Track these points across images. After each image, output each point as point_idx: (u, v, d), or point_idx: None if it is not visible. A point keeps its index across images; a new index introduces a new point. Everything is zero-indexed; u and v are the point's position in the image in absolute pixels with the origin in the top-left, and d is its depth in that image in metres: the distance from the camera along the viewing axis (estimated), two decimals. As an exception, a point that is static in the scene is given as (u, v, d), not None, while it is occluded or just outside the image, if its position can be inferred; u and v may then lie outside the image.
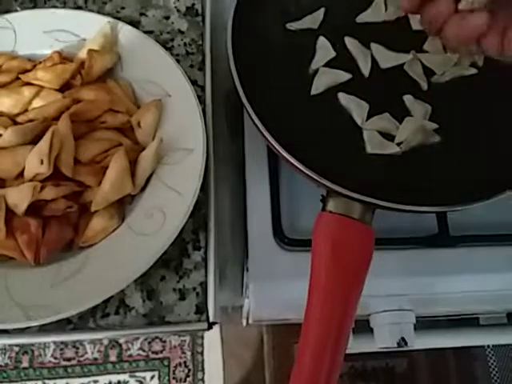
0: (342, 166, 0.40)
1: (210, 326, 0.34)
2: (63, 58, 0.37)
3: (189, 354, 1.09)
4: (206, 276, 0.35)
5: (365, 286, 0.35)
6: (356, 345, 0.48)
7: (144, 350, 1.07)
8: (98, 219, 0.33)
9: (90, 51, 0.36)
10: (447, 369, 1.00)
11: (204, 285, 0.35)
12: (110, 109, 0.35)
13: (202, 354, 1.10)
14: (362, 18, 0.47)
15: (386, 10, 0.47)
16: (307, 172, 0.36)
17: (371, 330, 0.47)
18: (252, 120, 0.38)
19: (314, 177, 0.36)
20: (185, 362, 1.08)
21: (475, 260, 0.42)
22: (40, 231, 0.32)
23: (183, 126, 0.36)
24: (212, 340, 1.09)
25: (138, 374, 1.06)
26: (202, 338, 1.11)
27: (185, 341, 1.10)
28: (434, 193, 0.39)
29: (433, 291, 0.43)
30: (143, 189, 0.35)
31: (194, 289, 0.35)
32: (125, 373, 1.06)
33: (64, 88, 0.36)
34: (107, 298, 0.32)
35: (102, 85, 0.36)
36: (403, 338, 0.45)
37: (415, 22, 0.47)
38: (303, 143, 0.41)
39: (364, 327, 0.47)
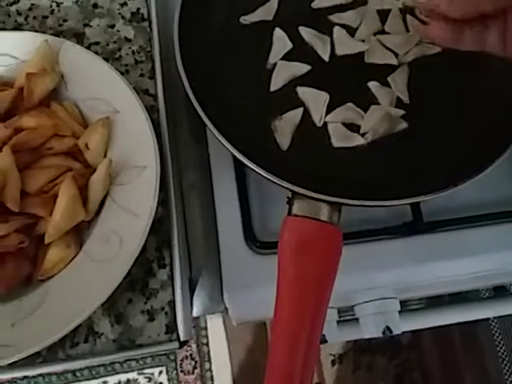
0: (307, 164, 0.39)
1: (182, 344, 0.34)
2: (3, 84, 0.35)
3: (194, 346, 1.10)
4: (174, 294, 0.35)
5: (345, 279, 0.35)
6: (343, 335, 0.48)
7: (149, 347, 1.08)
8: (55, 250, 0.32)
9: (28, 75, 0.34)
10: (450, 334, 1.00)
11: (172, 303, 0.34)
12: (56, 134, 0.33)
13: (207, 344, 1.11)
14: (318, 2, 0.45)
15: (342, -8, 0.45)
16: (268, 176, 0.35)
17: (357, 319, 0.46)
18: (209, 129, 0.36)
19: (276, 181, 0.35)
20: (191, 355, 1.09)
21: (452, 244, 0.41)
22: (-5, 269, 0.31)
23: (134, 142, 0.35)
24: (216, 330, 1.10)
25: (146, 370, 1.07)
26: (206, 329, 1.12)
27: (189, 333, 1.11)
28: (403, 183, 0.38)
29: (414, 279, 0.43)
30: (99, 212, 0.34)
31: (163, 308, 0.34)
32: (133, 371, 1.07)
33: (5, 116, 0.34)
34: (75, 327, 0.32)
35: (44, 110, 0.34)
36: (388, 327, 0.45)
37: (374, 3, 0.45)
38: (265, 144, 0.40)
39: (350, 316, 0.47)
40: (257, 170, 0.35)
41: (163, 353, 1.08)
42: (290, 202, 0.35)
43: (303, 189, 0.34)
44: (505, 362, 0.95)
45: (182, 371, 1.07)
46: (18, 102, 0.35)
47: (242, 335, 1.08)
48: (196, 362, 1.08)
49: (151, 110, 0.39)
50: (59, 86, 0.37)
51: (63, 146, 0.34)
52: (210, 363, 1.09)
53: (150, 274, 0.35)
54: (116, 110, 0.35)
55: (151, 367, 1.07)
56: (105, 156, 0.35)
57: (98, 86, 0.36)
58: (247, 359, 1.07)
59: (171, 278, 0.35)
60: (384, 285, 0.43)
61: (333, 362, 1.06)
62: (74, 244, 0.33)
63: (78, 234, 0.34)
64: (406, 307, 0.49)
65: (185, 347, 1.09)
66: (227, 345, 1.09)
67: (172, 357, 1.08)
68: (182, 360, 1.08)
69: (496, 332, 0.98)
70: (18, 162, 0.32)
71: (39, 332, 0.31)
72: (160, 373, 1.07)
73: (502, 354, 0.96)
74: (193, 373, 1.08)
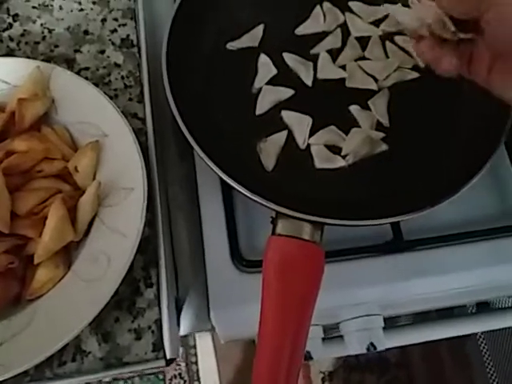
0: (290, 185, 0.41)
1: (169, 362, 0.34)
2: (-5, 108, 0.36)
3: (183, 365, 1.09)
4: (161, 313, 0.35)
5: (329, 297, 0.36)
6: (328, 352, 0.49)
7: (138, 366, 1.07)
8: (44, 270, 0.33)
9: (20, 100, 0.35)
10: (439, 350, 1.01)
11: (159, 322, 0.35)
12: (46, 157, 0.35)
13: (196, 363, 1.10)
14: (301, 30, 0.47)
15: (324, 20, 0.47)
16: (252, 197, 0.36)
17: (342, 336, 0.47)
18: (196, 151, 0.38)
19: (260, 201, 0.36)
20: (180, 374, 1.09)
21: (431, 261, 0.42)
22: (-16, 289, 0.31)
23: (122, 165, 0.36)
24: (205, 349, 1.10)
25: (134, 390, 1.06)
26: (195, 347, 1.12)
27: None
28: (383, 203, 0.40)
29: (395, 295, 0.44)
30: (87, 233, 0.35)
31: (150, 327, 0.35)
32: (121, 391, 1.06)
33: (-3, 140, 0.35)
34: (62, 346, 0.32)
35: (34, 134, 0.36)
36: (372, 343, 0.46)
37: (355, 31, 0.47)
38: (251, 165, 0.41)
39: (335, 333, 0.48)
40: (242, 191, 0.36)
41: (151, 372, 1.07)
42: (273, 222, 0.36)
43: (286, 209, 0.35)
44: (493, 378, 0.96)
45: (170, 391, 1.07)
46: (9, 126, 0.36)
47: (232, 354, 1.08)
48: (185, 382, 1.08)
49: (139, 133, 0.40)
50: (50, 110, 0.38)
51: (53, 169, 0.35)
52: (200, 382, 1.08)
53: (137, 293, 0.36)
54: (105, 133, 0.37)
55: (140, 387, 1.06)
56: (94, 178, 0.36)
57: (88, 110, 0.37)
58: (236, 378, 1.07)
59: (158, 297, 0.36)
60: (367, 301, 0.44)
61: (323, 380, 1.06)
62: (63, 264, 0.34)
63: (67, 254, 0.35)
64: (392, 323, 0.50)
65: (174, 366, 1.08)
66: (216, 363, 1.08)
67: (161, 376, 1.07)
68: (170, 379, 1.07)
69: (484, 348, 0.99)
70: (8, 185, 0.33)
71: (28, 351, 0.31)
72: (149, 392, 1.06)
73: (490, 369, 0.97)
74: (182, 392, 1.07)
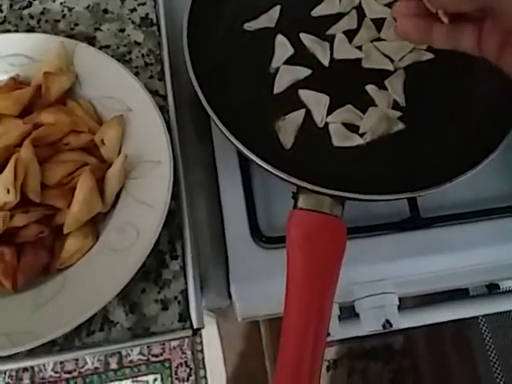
0: (309, 162, 0.41)
1: (195, 332, 0.35)
2: (20, 82, 0.37)
3: (189, 353, 1.10)
4: (186, 284, 0.36)
5: (346, 274, 0.36)
6: (344, 330, 0.50)
7: (144, 355, 1.08)
8: (73, 240, 0.33)
9: (46, 74, 0.36)
10: (443, 339, 1.02)
11: (185, 293, 0.36)
12: (73, 130, 0.35)
13: (201, 351, 1.11)
14: (317, 11, 0.48)
15: (340, 1, 0.48)
16: (274, 172, 0.37)
17: (357, 315, 0.48)
18: (217, 125, 0.38)
19: (282, 176, 0.36)
20: (186, 362, 1.09)
21: (447, 239, 0.43)
22: (15, 258, 0.32)
23: (147, 138, 0.36)
24: (211, 337, 1.10)
25: (140, 378, 1.07)
26: (201, 336, 1.12)
27: (184, 341, 1.11)
28: (401, 180, 0.40)
29: (411, 273, 0.44)
30: (114, 205, 0.35)
31: (176, 298, 0.36)
32: (127, 379, 1.07)
33: (23, 113, 0.36)
34: (91, 316, 0.33)
35: (61, 107, 0.36)
36: (388, 320, 0.46)
37: (370, 12, 0.48)
38: (270, 143, 0.42)
39: (351, 313, 0.49)
40: (264, 166, 0.37)
41: (157, 360, 1.08)
42: (295, 197, 0.37)
43: (308, 183, 0.36)
44: (496, 366, 0.97)
45: (176, 378, 1.07)
46: (35, 100, 0.36)
47: (237, 342, 1.09)
48: (191, 370, 1.08)
49: (161, 110, 0.40)
50: (74, 85, 0.38)
51: (80, 142, 0.35)
52: (205, 370, 1.09)
53: (162, 265, 0.36)
54: (129, 108, 0.37)
55: (146, 375, 1.07)
56: (119, 152, 0.36)
57: (112, 85, 0.38)
58: (242, 366, 1.08)
59: (183, 268, 0.36)
60: (383, 278, 0.44)
61: (328, 368, 1.07)
62: (91, 235, 0.34)
63: (95, 225, 0.35)
64: (402, 305, 0.50)
65: (180, 354, 1.09)
66: (222, 352, 1.09)
67: (167, 364, 1.08)
68: (176, 367, 1.08)
69: (487, 337, 1.00)
70: (37, 156, 0.33)
71: (58, 319, 0.31)
72: (155, 380, 1.07)
73: (493, 358, 0.98)
74: (188, 380, 1.08)
